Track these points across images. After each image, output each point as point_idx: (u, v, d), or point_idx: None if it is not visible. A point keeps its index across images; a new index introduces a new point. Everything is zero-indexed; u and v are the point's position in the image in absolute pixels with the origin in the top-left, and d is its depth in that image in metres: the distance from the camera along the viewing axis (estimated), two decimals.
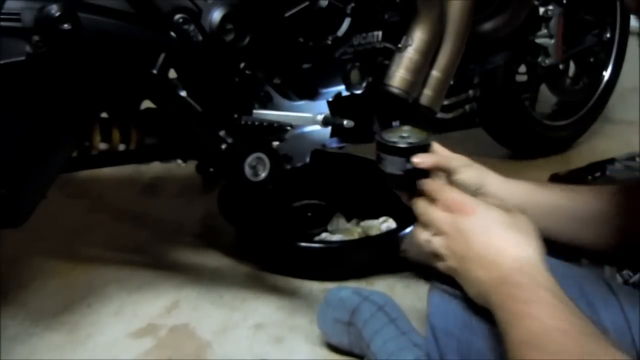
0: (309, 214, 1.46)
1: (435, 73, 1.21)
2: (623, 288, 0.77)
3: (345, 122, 1.04)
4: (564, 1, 1.64)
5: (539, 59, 1.64)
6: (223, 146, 1.00)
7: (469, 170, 0.88)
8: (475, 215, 0.72)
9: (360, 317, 1.00)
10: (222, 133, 1.01)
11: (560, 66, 1.75)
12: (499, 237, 0.70)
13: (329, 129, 1.19)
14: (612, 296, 0.73)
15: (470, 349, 0.73)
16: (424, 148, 0.83)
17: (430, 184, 0.78)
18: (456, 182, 0.87)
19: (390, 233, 1.36)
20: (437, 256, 0.76)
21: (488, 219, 0.72)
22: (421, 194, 0.81)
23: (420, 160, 0.81)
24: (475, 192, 0.87)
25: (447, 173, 0.86)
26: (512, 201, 0.82)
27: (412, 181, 0.82)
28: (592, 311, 0.71)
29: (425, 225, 0.77)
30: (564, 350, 0.58)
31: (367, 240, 1.35)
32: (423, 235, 0.77)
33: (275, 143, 1.12)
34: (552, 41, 1.61)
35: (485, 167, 0.91)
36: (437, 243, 0.75)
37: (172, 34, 0.93)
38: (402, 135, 0.85)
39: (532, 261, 0.68)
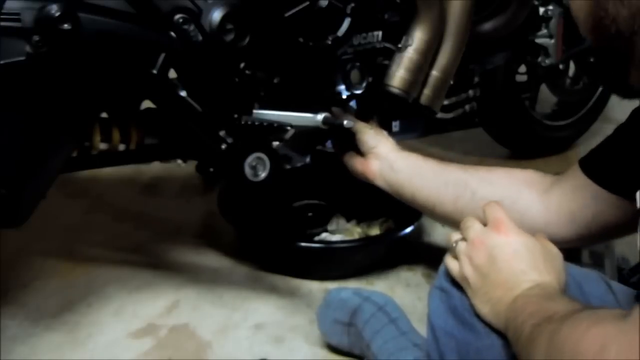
0: (309, 214, 1.46)
1: (435, 73, 1.20)
2: (622, 288, 0.77)
3: (345, 122, 1.04)
4: (564, 1, 1.63)
5: (539, 59, 1.63)
6: (223, 146, 1.00)
7: (368, 132, 1.12)
8: (507, 236, 0.74)
9: (361, 318, 1.00)
10: (222, 133, 1.01)
11: (560, 66, 1.74)
12: (525, 262, 0.72)
13: None
14: (612, 296, 0.74)
15: (469, 348, 0.73)
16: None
17: (488, 204, 0.80)
18: (357, 140, 1.12)
19: (390, 233, 1.36)
20: (456, 259, 0.78)
21: (518, 243, 0.74)
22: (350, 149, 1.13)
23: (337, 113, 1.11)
24: (370, 150, 1.11)
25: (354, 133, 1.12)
26: (393, 163, 1.08)
27: (339, 134, 1.16)
28: None
29: (462, 230, 0.80)
30: (570, 314, 0.59)
31: (367, 240, 1.35)
32: (454, 236, 0.80)
33: (275, 143, 1.13)
34: (552, 41, 1.61)
35: (384, 133, 1.14)
36: (461, 247, 0.78)
37: (172, 34, 0.93)
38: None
39: (549, 283, 0.70)
